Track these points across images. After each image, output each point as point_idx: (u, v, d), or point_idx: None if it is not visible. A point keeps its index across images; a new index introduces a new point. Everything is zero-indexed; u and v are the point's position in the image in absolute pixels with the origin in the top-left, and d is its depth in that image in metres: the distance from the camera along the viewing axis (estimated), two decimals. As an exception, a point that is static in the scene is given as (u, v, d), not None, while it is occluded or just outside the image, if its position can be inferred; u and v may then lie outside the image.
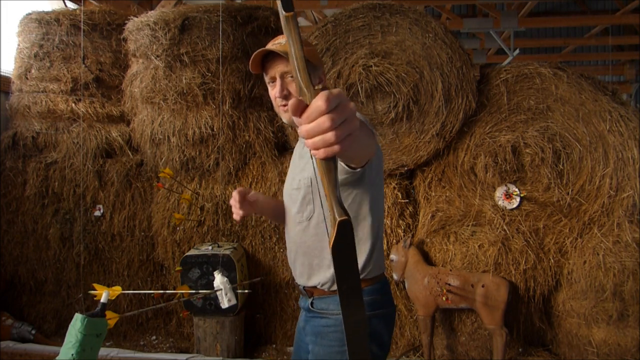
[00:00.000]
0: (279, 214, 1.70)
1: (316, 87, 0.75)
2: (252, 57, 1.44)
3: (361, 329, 0.82)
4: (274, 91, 1.49)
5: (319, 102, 0.70)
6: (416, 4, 4.97)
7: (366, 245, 1.50)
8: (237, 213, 1.55)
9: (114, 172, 3.93)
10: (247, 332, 3.70)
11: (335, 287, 1.51)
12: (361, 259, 1.49)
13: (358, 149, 1.00)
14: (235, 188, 3.74)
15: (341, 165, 1.22)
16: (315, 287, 1.54)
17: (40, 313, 4.02)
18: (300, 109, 0.73)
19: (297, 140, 1.75)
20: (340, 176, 1.31)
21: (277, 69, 1.45)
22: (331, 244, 0.77)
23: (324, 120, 0.69)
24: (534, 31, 8.56)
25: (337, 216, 0.76)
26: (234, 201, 1.55)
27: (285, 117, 1.52)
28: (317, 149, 0.71)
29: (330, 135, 0.70)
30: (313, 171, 1.29)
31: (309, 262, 1.53)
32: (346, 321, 0.81)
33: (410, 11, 3.57)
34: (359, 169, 1.23)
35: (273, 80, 1.48)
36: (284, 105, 1.48)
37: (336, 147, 0.70)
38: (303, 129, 0.71)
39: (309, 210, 1.50)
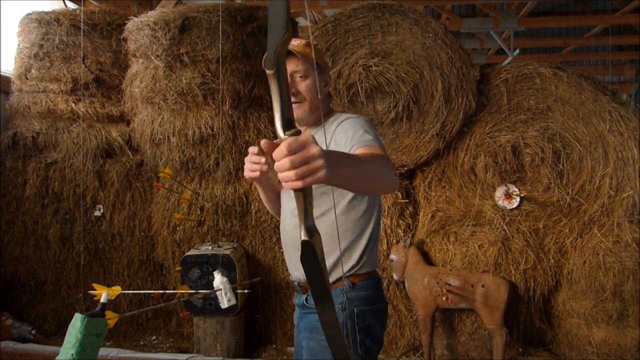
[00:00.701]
0: (273, 199, 1.73)
1: (286, 134, 0.90)
2: (264, 56, 1.48)
3: (335, 328, 0.99)
4: None
5: (282, 147, 0.87)
6: (416, 4, 4.96)
7: (363, 242, 1.54)
8: (252, 169, 1.49)
9: (114, 172, 3.93)
10: (247, 332, 3.70)
11: (333, 281, 1.53)
12: (356, 254, 1.54)
13: (359, 183, 1.15)
14: (235, 188, 3.77)
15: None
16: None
17: (40, 313, 4.02)
18: (271, 148, 0.90)
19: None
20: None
21: (287, 68, 1.48)
22: (300, 257, 0.94)
23: (284, 162, 0.86)
24: (534, 31, 8.55)
25: (301, 236, 0.92)
26: (254, 157, 1.48)
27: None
28: (284, 182, 0.88)
29: (291, 174, 0.86)
30: None
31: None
32: (321, 321, 0.98)
33: (410, 11, 3.57)
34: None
35: None
36: (292, 103, 1.50)
37: (298, 183, 0.87)
38: (274, 165, 0.88)
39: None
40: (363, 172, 1.11)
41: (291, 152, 0.86)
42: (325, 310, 0.98)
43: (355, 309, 1.52)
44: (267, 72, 0.90)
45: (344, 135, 1.45)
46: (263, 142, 0.92)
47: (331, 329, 1.00)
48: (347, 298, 1.52)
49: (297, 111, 1.53)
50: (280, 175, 0.87)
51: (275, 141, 0.91)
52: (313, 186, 1.47)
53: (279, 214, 1.71)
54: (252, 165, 1.49)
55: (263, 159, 1.47)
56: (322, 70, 1.58)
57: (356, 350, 1.50)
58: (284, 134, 0.91)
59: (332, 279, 1.53)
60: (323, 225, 1.49)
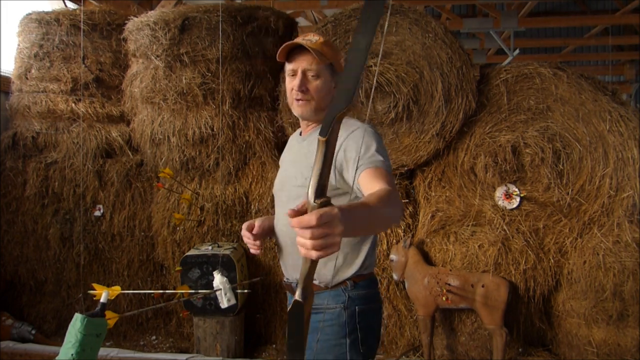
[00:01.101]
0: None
1: (316, 201, 0.91)
2: (282, 47, 1.50)
3: None
4: (292, 83, 1.52)
5: (311, 218, 0.88)
6: (416, 4, 4.97)
7: (367, 244, 1.56)
8: (254, 247, 1.58)
9: (114, 172, 3.93)
10: (247, 332, 3.70)
11: (330, 283, 1.53)
12: (361, 256, 1.54)
13: (367, 231, 1.27)
14: (235, 188, 3.77)
15: (357, 188, 1.39)
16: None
17: (40, 313, 4.02)
18: (297, 213, 0.93)
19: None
20: (348, 188, 1.46)
21: (301, 64, 1.50)
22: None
23: (306, 232, 0.88)
24: (534, 31, 8.55)
25: (296, 296, 0.97)
26: (247, 239, 1.58)
27: (297, 110, 1.55)
28: (300, 246, 0.91)
29: (308, 244, 0.89)
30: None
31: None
32: None
33: (410, 11, 3.57)
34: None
35: (294, 73, 1.52)
36: (299, 99, 1.52)
37: (313, 253, 0.90)
38: (296, 230, 0.91)
39: (312, 208, 1.50)
40: (372, 221, 1.15)
41: (318, 225, 0.88)
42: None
43: (356, 307, 1.52)
44: (320, 138, 0.89)
45: (354, 150, 1.41)
46: (290, 212, 0.93)
47: None
48: (349, 297, 1.52)
49: (303, 108, 1.52)
50: (299, 241, 0.91)
51: (299, 207, 0.94)
52: None
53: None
54: (250, 244, 1.58)
55: (258, 242, 1.57)
56: (334, 72, 1.55)
57: (358, 349, 1.51)
58: (314, 201, 0.91)
59: (336, 281, 1.54)
60: None
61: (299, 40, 1.50)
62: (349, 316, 1.51)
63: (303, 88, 1.50)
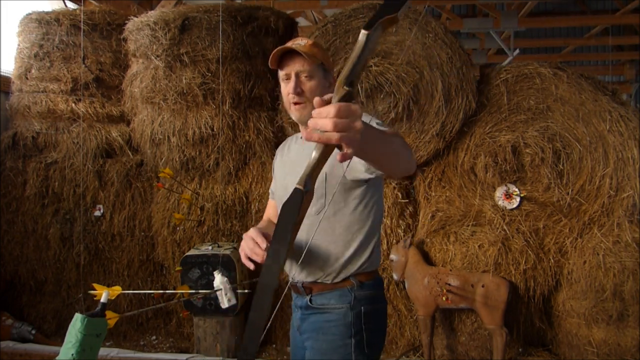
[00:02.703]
0: None
1: (344, 87, 0.85)
2: (272, 53, 1.51)
3: (267, 292, 0.92)
4: (287, 88, 1.54)
5: (331, 109, 0.82)
6: (416, 4, 4.96)
7: (370, 240, 1.57)
8: (258, 257, 1.43)
9: (114, 172, 3.93)
10: (247, 332, 3.69)
11: (337, 280, 1.53)
12: (366, 253, 1.55)
13: (381, 159, 1.16)
14: (235, 188, 3.77)
15: (366, 166, 1.33)
16: (315, 282, 1.55)
17: (40, 313, 4.02)
18: (322, 104, 0.86)
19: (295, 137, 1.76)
20: (362, 175, 1.40)
21: (293, 67, 1.52)
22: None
23: (327, 122, 0.82)
24: (534, 31, 8.56)
25: (297, 184, 0.90)
26: (256, 248, 1.43)
27: (295, 114, 1.56)
28: (317, 128, 0.83)
29: (329, 124, 0.81)
30: (328, 167, 1.33)
31: (314, 257, 1.54)
32: (260, 280, 0.91)
33: (410, 11, 3.57)
34: (381, 172, 1.33)
35: (288, 77, 1.54)
36: (296, 103, 1.53)
37: (334, 135, 0.81)
38: (312, 120, 0.84)
39: (320, 205, 1.51)
40: (386, 145, 1.11)
41: (339, 116, 0.82)
42: (270, 272, 0.92)
43: (362, 308, 1.53)
44: (363, 31, 0.86)
45: None
46: (317, 100, 0.86)
47: (264, 296, 0.93)
48: (354, 297, 1.52)
49: (302, 112, 1.53)
50: (316, 122, 0.83)
51: (326, 97, 0.87)
52: (320, 187, 1.48)
53: None
54: (255, 251, 1.43)
55: (264, 254, 1.40)
56: (326, 71, 1.58)
57: (363, 350, 1.51)
58: (342, 87, 0.86)
59: (341, 277, 1.54)
60: (337, 225, 1.52)
61: (288, 45, 1.52)
62: (355, 316, 1.51)
63: (298, 90, 1.51)
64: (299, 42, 1.54)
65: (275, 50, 1.50)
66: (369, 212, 1.55)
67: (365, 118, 1.47)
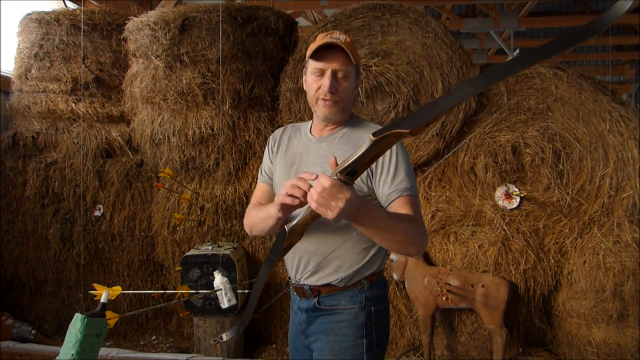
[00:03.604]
0: (274, 223, 1.46)
1: (338, 175, 1.11)
2: (316, 45, 1.45)
3: (259, 282, 1.39)
4: (318, 82, 1.48)
5: (327, 180, 1.11)
6: (416, 4, 4.97)
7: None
8: (292, 201, 1.25)
9: (114, 172, 3.93)
10: (247, 332, 3.70)
11: (349, 283, 1.51)
12: (380, 257, 1.56)
13: (387, 242, 1.33)
14: (235, 188, 3.77)
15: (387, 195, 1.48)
16: (327, 284, 1.52)
17: (40, 313, 4.02)
18: (336, 166, 1.15)
19: (294, 135, 1.68)
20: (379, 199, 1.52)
21: (332, 64, 1.46)
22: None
23: (319, 188, 1.12)
24: (534, 31, 8.57)
25: (283, 226, 1.25)
26: (304, 184, 1.23)
27: (323, 110, 1.50)
28: (309, 194, 1.15)
29: (315, 196, 1.13)
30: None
31: (324, 259, 1.51)
32: (259, 273, 1.37)
33: (410, 11, 3.57)
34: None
35: (321, 72, 1.48)
36: (326, 100, 1.48)
37: (313, 204, 1.14)
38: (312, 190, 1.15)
39: None
40: (388, 227, 1.28)
41: (329, 188, 1.11)
42: (264, 271, 1.35)
43: (372, 308, 1.52)
44: (371, 137, 1.02)
45: (387, 171, 1.45)
46: (332, 159, 1.18)
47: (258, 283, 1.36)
48: (365, 297, 1.51)
49: (330, 109, 1.48)
50: (311, 193, 1.15)
51: (339, 163, 1.13)
52: None
53: (260, 234, 1.61)
54: (298, 190, 1.24)
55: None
56: (358, 73, 1.53)
57: (373, 350, 1.50)
58: (338, 173, 1.11)
59: (353, 281, 1.52)
60: (342, 226, 1.48)
61: (333, 39, 1.45)
62: (366, 316, 1.50)
63: (333, 89, 1.46)
64: (338, 37, 1.46)
65: (319, 44, 1.44)
66: None
67: (397, 153, 1.48)
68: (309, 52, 1.48)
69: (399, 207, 1.41)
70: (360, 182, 1.47)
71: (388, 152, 1.41)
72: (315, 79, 1.49)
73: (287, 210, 1.34)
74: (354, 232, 1.47)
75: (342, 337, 1.50)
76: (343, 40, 1.45)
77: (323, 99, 1.48)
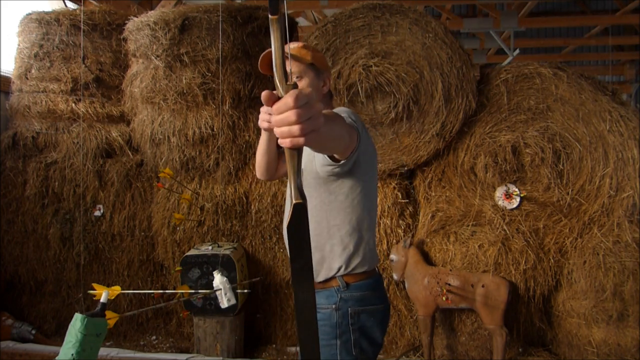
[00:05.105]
0: (272, 150, 1.65)
1: (288, 83, 0.84)
2: (260, 59, 1.53)
3: (309, 308, 0.90)
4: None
5: (288, 99, 0.78)
6: (416, 4, 4.97)
7: (354, 238, 1.54)
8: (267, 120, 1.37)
9: (114, 172, 3.93)
10: (247, 332, 3.70)
11: (320, 279, 1.53)
12: (347, 251, 1.53)
13: (326, 142, 1.11)
14: (235, 188, 3.77)
15: (325, 158, 1.35)
16: None
17: (40, 313, 4.02)
18: (272, 100, 0.82)
19: None
20: (327, 168, 1.41)
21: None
22: (286, 224, 0.88)
23: (291, 115, 0.78)
24: (534, 31, 8.56)
25: (293, 199, 0.86)
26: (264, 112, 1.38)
27: None
28: (283, 138, 0.80)
29: (295, 129, 0.78)
30: (303, 162, 1.36)
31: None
32: (296, 298, 0.90)
33: (410, 11, 3.56)
34: (342, 161, 1.35)
35: None
36: None
37: (301, 140, 0.79)
38: (273, 119, 0.80)
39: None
40: (329, 131, 1.09)
41: (297, 105, 0.77)
42: (303, 288, 0.89)
43: (349, 309, 1.52)
44: (271, 17, 0.84)
45: None
46: (264, 93, 0.83)
47: (307, 312, 0.89)
48: (340, 298, 1.52)
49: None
50: (282, 130, 0.79)
51: (275, 92, 0.84)
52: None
53: (267, 170, 1.68)
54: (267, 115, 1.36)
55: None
56: (318, 71, 1.60)
57: (350, 351, 1.51)
58: (286, 84, 0.84)
59: (323, 276, 1.54)
60: (312, 220, 1.48)
61: (270, 50, 1.49)
62: (341, 317, 1.51)
63: None
64: (290, 46, 1.57)
65: (263, 55, 1.52)
66: (351, 209, 1.52)
67: (338, 110, 1.51)
68: (260, 68, 1.56)
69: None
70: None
71: None
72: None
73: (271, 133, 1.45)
74: (341, 232, 1.50)
75: (324, 335, 1.52)
76: (292, 47, 1.56)
77: None
